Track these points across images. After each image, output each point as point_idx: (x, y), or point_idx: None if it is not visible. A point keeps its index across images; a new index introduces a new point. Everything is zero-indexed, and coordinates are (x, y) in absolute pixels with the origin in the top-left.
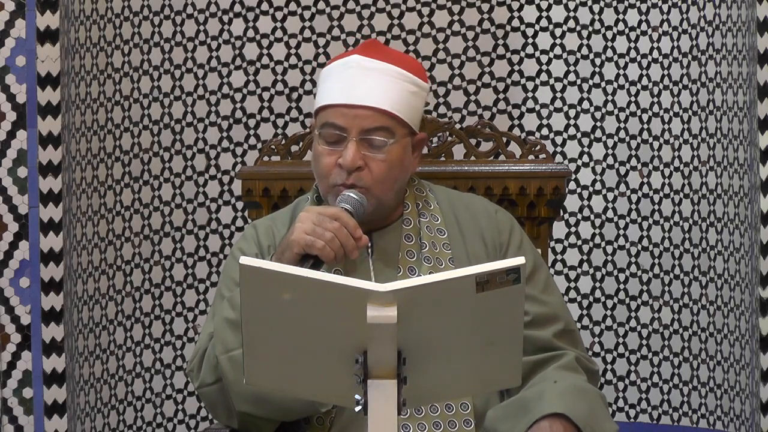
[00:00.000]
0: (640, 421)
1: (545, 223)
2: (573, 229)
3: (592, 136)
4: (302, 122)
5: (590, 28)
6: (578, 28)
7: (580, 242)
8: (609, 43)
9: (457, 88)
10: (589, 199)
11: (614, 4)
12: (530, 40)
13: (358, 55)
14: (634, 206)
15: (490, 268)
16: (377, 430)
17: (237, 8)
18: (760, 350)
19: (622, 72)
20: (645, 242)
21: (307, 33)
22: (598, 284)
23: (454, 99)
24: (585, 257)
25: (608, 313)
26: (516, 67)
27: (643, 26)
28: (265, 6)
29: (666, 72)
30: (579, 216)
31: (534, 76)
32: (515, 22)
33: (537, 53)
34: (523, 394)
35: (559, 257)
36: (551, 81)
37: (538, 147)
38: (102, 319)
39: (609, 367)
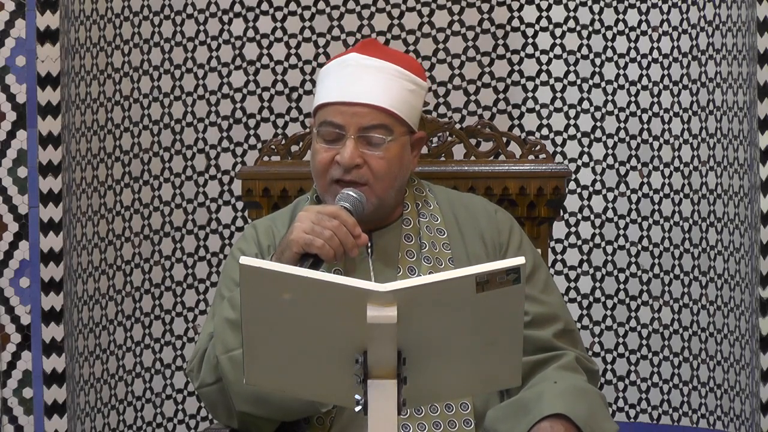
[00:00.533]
0: (640, 421)
1: (545, 223)
2: (573, 229)
3: (592, 136)
4: (302, 122)
5: (590, 28)
6: (578, 28)
7: (580, 242)
8: (609, 43)
9: (457, 88)
10: (589, 199)
11: (614, 4)
12: (530, 40)
13: (357, 54)
14: (634, 206)
15: (490, 268)
16: (377, 430)
17: (237, 8)
18: (760, 350)
19: (622, 72)
20: (645, 242)
21: (307, 33)
22: (598, 284)
23: (454, 99)
24: (585, 257)
25: (608, 313)
26: (516, 67)
27: (643, 26)
28: (265, 6)
29: (666, 72)
30: (579, 216)
31: (534, 76)
32: (515, 22)
33: (537, 53)
34: (523, 395)
35: (559, 257)
36: (551, 81)
37: (538, 147)
38: (102, 319)
39: (609, 367)
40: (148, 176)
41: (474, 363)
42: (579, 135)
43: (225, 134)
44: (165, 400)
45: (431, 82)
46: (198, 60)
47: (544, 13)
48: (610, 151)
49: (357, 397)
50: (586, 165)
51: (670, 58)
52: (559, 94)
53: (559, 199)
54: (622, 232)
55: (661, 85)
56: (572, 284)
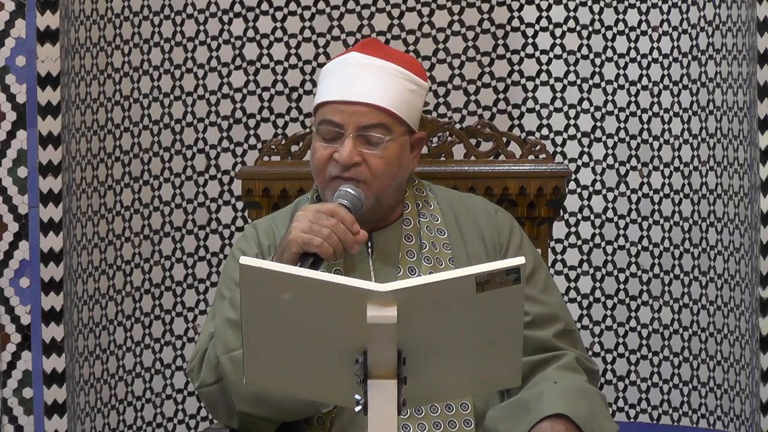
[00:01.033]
0: (640, 421)
1: (545, 223)
2: (573, 229)
3: (592, 136)
4: (302, 122)
5: (590, 28)
6: (578, 28)
7: (580, 242)
8: (609, 43)
9: (457, 88)
10: (589, 199)
11: (614, 4)
12: (530, 40)
13: (357, 53)
14: (634, 206)
15: (490, 268)
16: (377, 430)
17: (237, 8)
18: (760, 350)
19: (622, 72)
20: (645, 242)
21: (307, 33)
22: (598, 284)
23: (454, 99)
24: (585, 257)
25: (608, 313)
26: (516, 67)
27: (643, 26)
28: (265, 6)
29: (666, 72)
30: (579, 216)
31: (534, 76)
32: (515, 22)
33: (537, 53)
34: (523, 395)
35: (559, 257)
36: (551, 81)
37: (538, 147)
38: (102, 319)
39: (609, 367)
40: (148, 176)
41: (474, 363)
42: (579, 135)
43: (225, 134)
44: (165, 400)
45: (431, 82)
46: (198, 60)
47: (544, 13)
48: (610, 151)
49: (357, 397)
50: (586, 165)
51: (670, 58)
52: (559, 94)
53: (559, 199)
54: (622, 232)
55: (661, 85)
56: (572, 284)
